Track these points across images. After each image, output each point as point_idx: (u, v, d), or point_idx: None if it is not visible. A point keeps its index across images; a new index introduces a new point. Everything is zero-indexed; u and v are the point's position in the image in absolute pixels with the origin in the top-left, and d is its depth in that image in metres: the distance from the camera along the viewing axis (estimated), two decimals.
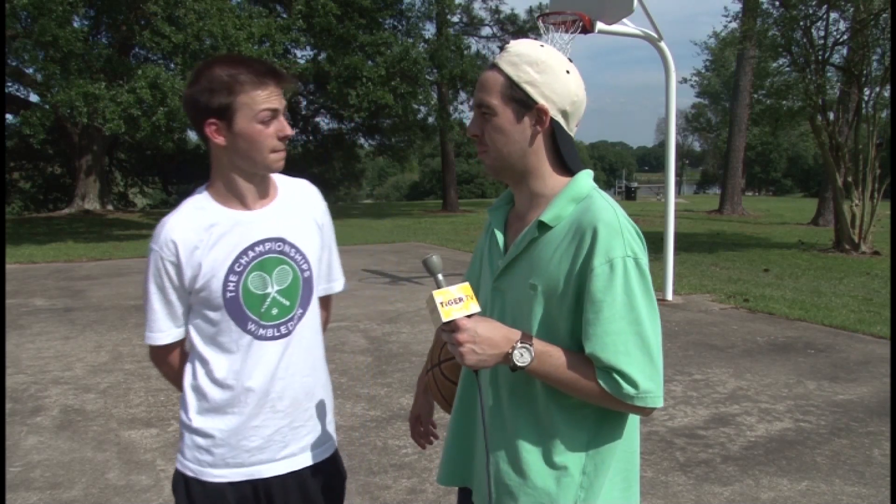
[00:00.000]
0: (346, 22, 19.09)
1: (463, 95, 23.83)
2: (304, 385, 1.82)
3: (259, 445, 1.77)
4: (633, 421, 1.54)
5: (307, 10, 18.21)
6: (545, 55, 1.46)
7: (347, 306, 8.09)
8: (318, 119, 29.31)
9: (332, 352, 6.22)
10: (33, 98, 21.08)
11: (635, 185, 46.09)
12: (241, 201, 1.74)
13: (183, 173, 29.62)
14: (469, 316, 1.39)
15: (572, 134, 1.53)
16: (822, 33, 12.99)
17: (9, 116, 21.06)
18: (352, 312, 7.86)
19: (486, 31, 27.99)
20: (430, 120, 23.06)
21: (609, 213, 1.43)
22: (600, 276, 1.39)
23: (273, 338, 1.76)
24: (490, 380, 1.56)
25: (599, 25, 7.59)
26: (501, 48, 1.52)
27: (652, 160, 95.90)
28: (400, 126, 23.16)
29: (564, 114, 1.49)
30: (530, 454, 1.49)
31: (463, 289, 1.41)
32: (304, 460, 1.83)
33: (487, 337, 1.39)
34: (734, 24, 16.15)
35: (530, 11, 26.25)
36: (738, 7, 17.29)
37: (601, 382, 1.40)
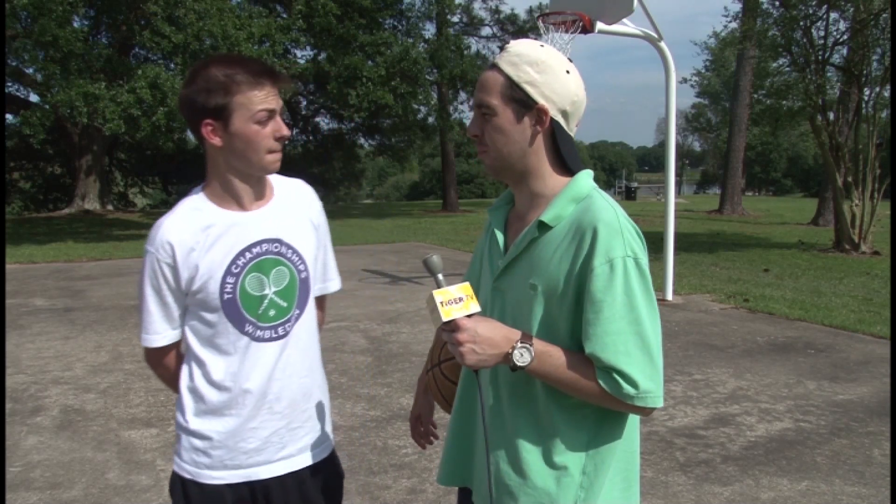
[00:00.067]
0: (346, 22, 19.09)
1: (463, 95, 23.83)
2: (302, 386, 1.82)
3: (257, 447, 1.77)
4: (633, 421, 1.54)
5: (307, 10, 18.22)
6: (545, 55, 1.46)
7: (347, 306, 8.10)
8: (318, 119, 29.36)
9: (332, 352, 6.22)
10: (33, 98, 21.13)
11: (635, 185, 46.09)
12: (238, 202, 1.73)
13: (183, 173, 29.61)
14: (469, 316, 1.39)
15: (572, 134, 1.53)
16: (822, 33, 13.00)
17: (9, 116, 21.08)
18: (352, 312, 7.86)
19: (486, 31, 28.02)
20: (430, 120, 23.07)
21: (609, 212, 1.43)
22: (600, 276, 1.39)
23: (270, 339, 1.75)
24: (490, 380, 1.56)
25: (599, 25, 7.59)
26: (501, 48, 1.52)
27: (652, 160, 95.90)
28: (400, 126, 23.16)
29: (564, 114, 1.49)
30: (530, 454, 1.49)
31: (463, 289, 1.41)
32: (302, 461, 1.83)
33: (487, 337, 1.39)
34: (734, 24, 16.16)
35: (530, 11, 26.26)
36: (738, 7, 17.31)
37: (601, 382, 1.40)
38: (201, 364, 1.75)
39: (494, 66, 1.48)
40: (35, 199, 30.22)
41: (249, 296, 1.72)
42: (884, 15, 11.72)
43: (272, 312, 1.75)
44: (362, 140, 29.61)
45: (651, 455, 4.06)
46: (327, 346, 6.44)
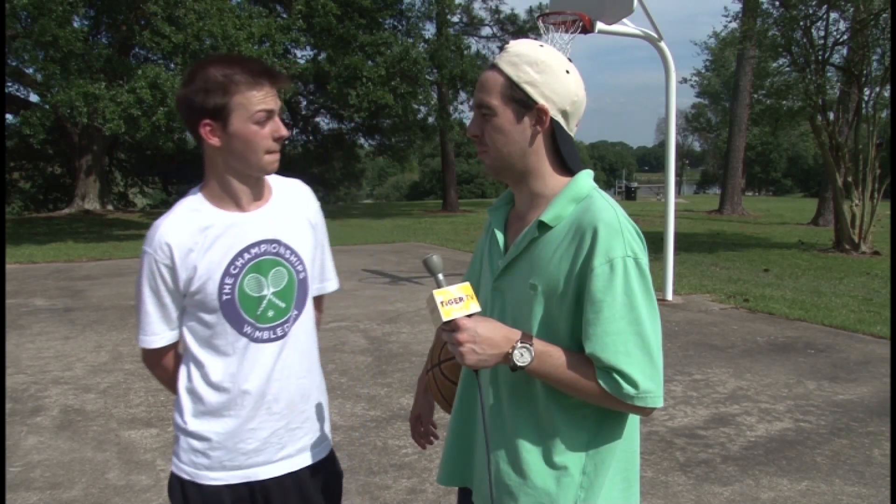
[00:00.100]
0: (346, 22, 19.09)
1: (463, 95, 23.83)
2: (300, 387, 1.82)
3: (256, 448, 1.76)
4: (633, 421, 1.54)
5: (307, 10, 18.22)
6: (545, 55, 1.46)
7: (347, 306, 8.09)
8: (318, 119, 29.35)
9: (332, 352, 6.22)
10: (33, 98, 21.12)
11: (635, 185, 46.09)
12: (236, 203, 1.72)
13: (183, 173, 29.59)
14: (469, 315, 1.39)
15: (572, 134, 1.53)
16: (822, 33, 13.00)
17: (9, 116, 21.08)
18: (352, 312, 7.86)
19: (486, 31, 28.02)
20: (430, 120, 23.07)
21: (609, 212, 1.43)
22: (600, 276, 1.39)
23: (269, 340, 1.75)
24: (490, 380, 1.56)
25: (599, 25, 7.58)
26: (501, 48, 1.52)
27: (652, 160, 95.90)
28: (400, 126, 23.16)
29: (564, 114, 1.48)
30: (530, 454, 1.49)
31: (463, 288, 1.41)
32: (301, 461, 1.83)
33: (487, 337, 1.39)
34: (734, 24, 16.16)
35: (530, 11, 26.26)
36: (738, 7, 17.31)
37: (601, 382, 1.40)
38: (200, 365, 1.74)
39: (494, 67, 1.48)
40: (35, 199, 30.22)
41: (248, 297, 1.72)
42: (884, 15, 11.72)
43: (271, 313, 1.74)
44: (362, 140, 29.63)
45: (651, 455, 4.06)
46: (327, 346, 6.44)
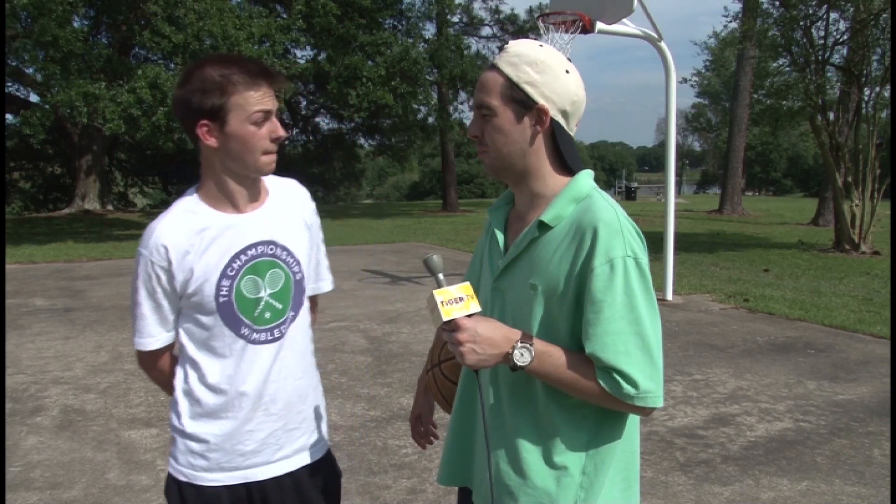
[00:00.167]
0: (346, 22, 19.09)
1: (463, 95, 23.84)
2: (297, 387, 1.82)
3: (254, 449, 1.76)
4: (633, 421, 1.54)
5: (307, 10, 18.22)
6: (544, 55, 1.46)
7: (347, 306, 8.09)
8: (318, 119, 29.34)
9: (332, 352, 6.22)
10: (33, 98, 21.12)
11: (635, 185, 46.10)
12: (233, 204, 1.72)
13: (183, 173, 29.58)
14: (469, 315, 1.39)
15: (572, 134, 1.53)
16: (822, 33, 13.00)
17: (9, 116, 21.08)
18: (352, 312, 7.86)
19: (486, 31, 28.02)
20: (430, 120, 23.07)
21: (609, 212, 1.43)
22: (600, 275, 1.39)
23: (266, 341, 1.75)
24: (490, 379, 1.56)
25: (599, 25, 7.58)
26: (501, 48, 1.52)
27: (652, 160, 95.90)
28: (400, 126, 23.16)
29: (564, 114, 1.48)
30: (530, 454, 1.49)
31: (463, 288, 1.40)
32: (299, 461, 1.83)
33: (488, 336, 1.39)
34: (734, 24, 16.17)
35: (530, 11, 26.26)
36: (738, 7, 17.32)
37: (601, 382, 1.40)
38: (196, 367, 1.74)
39: (494, 67, 1.48)
40: (35, 199, 30.23)
41: (245, 298, 1.71)
42: (884, 15, 11.72)
43: (267, 315, 1.74)
44: (362, 140, 29.63)
45: (651, 455, 4.06)
46: (327, 346, 6.45)
